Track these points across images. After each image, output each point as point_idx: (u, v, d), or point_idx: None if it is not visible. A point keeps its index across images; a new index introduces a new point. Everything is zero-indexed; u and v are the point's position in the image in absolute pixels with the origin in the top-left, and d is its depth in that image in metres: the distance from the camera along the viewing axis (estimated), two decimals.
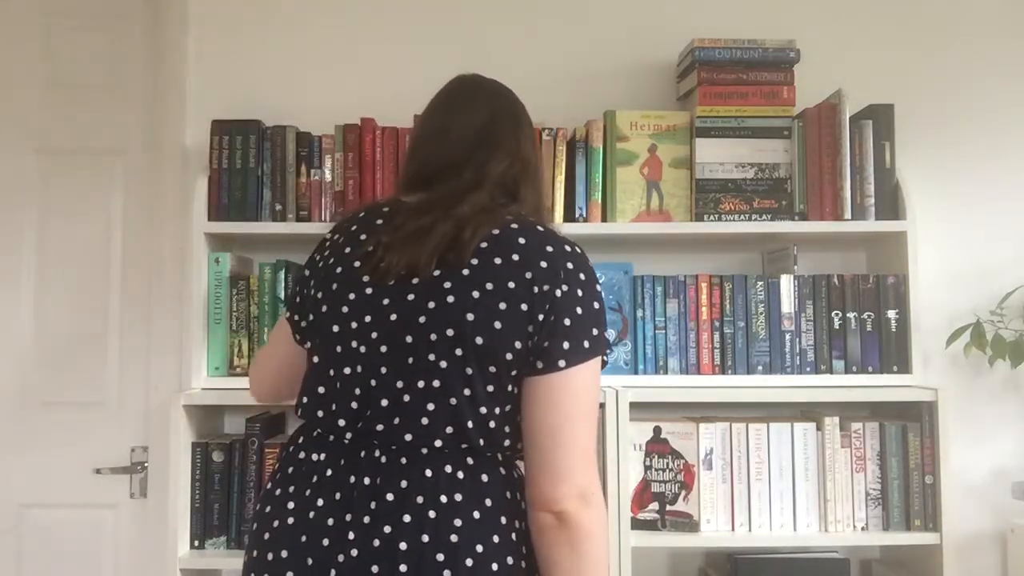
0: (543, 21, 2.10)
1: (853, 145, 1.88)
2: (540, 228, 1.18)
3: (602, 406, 1.73)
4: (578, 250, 1.18)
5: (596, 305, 1.15)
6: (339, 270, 1.18)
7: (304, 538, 1.10)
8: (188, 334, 1.89)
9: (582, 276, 1.15)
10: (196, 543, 1.79)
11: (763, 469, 1.79)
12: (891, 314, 1.87)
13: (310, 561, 1.08)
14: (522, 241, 1.14)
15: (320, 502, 1.11)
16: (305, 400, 1.19)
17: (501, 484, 1.14)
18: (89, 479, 2.03)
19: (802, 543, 1.81)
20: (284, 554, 1.10)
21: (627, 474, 1.73)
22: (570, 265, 1.14)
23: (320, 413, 1.16)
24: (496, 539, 1.10)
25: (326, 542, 1.08)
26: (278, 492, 1.16)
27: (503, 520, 1.12)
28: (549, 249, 1.14)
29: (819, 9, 2.12)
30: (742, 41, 1.90)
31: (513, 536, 1.12)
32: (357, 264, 1.16)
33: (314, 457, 1.15)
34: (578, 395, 1.11)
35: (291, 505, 1.13)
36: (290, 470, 1.17)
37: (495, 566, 1.08)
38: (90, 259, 2.08)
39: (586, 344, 1.12)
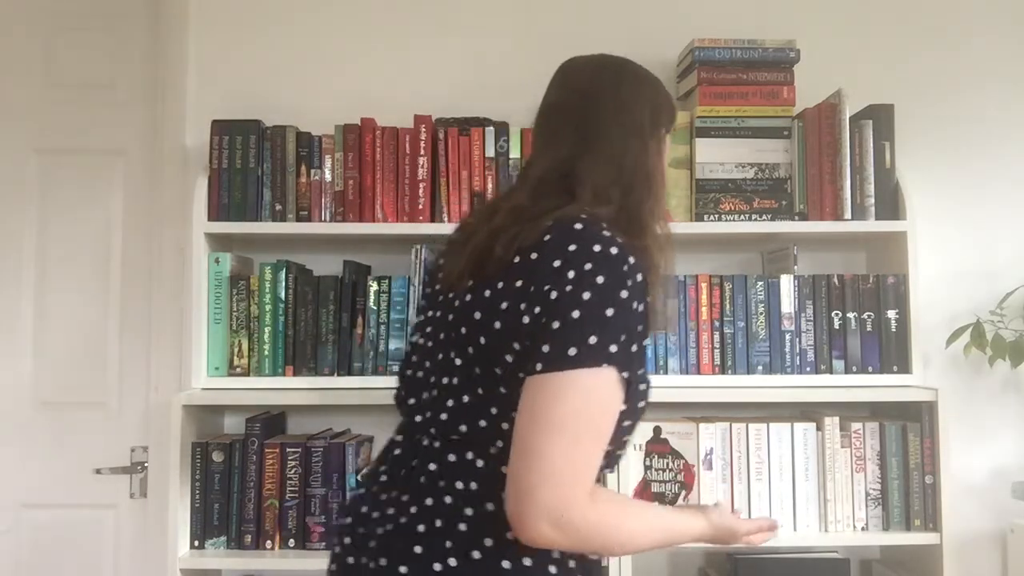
0: (543, 21, 2.10)
1: (853, 145, 1.87)
2: (578, 227, 1.07)
3: None
4: (612, 251, 1.05)
5: (609, 312, 1.01)
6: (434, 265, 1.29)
7: (364, 508, 1.15)
8: (188, 334, 1.89)
9: (599, 279, 1.02)
10: (196, 543, 1.79)
11: (763, 469, 1.79)
12: (891, 314, 1.87)
13: (361, 530, 1.13)
14: (547, 239, 1.07)
15: (384, 478, 1.16)
16: (397, 384, 1.26)
17: None
18: (89, 479, 2.03)
19: (802, 543, 1.81)
20: (348, 520, 1.17)
21: (627, 474, 1.73)
22: (588, 266, 1.03)
23: (401, 395, 1.23)
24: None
25: (376, 515, 1.12)
26: (370, 469, 1.25)
27: None
28: (571, 248, 1.04)
29: (819, 9, 2.11)
30: (742, 41, 1.90)
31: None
32: (441, 262, 1.24)
33: (397, 438, 1.20)
34: (552, 404, 0.99)
35: (368, 479, 1.21)
36: (385, 448, 1.23)
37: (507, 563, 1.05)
38: (90, 259, 2.09)
39: (571, 351, 0.99)
